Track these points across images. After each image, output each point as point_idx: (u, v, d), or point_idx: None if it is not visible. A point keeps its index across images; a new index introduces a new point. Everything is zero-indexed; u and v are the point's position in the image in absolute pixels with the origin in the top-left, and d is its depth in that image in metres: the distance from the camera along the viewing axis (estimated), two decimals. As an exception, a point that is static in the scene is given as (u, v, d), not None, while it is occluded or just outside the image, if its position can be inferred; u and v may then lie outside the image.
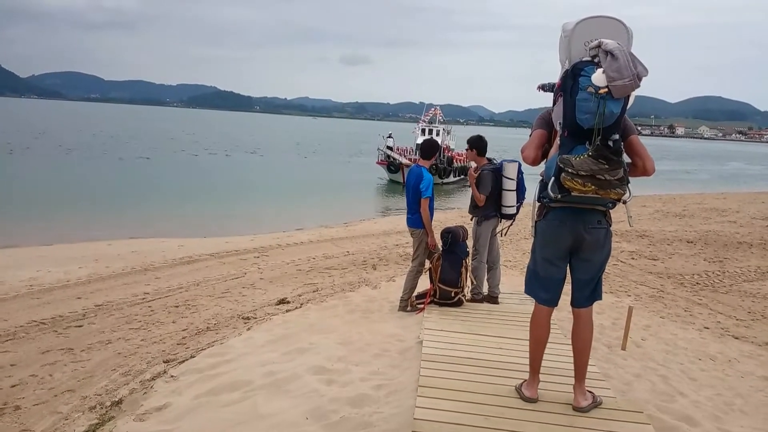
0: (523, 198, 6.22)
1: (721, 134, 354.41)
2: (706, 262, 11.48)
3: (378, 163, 34.02)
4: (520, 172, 6.13)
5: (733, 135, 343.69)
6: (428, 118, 38.45)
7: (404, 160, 31.28)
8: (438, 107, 39.50)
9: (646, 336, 6.48)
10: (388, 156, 32.79)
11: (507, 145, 42.06)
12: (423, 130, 36.40)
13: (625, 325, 5.83)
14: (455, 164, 33.25)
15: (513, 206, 6.16)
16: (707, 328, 7.38)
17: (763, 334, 7.33)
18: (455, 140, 38.15)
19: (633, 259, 11.61)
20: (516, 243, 12.86)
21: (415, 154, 32.36)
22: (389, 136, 33.70)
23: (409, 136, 36.81)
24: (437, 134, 34.80)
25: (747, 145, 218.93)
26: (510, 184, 6.11)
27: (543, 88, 3.58)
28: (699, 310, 8.25)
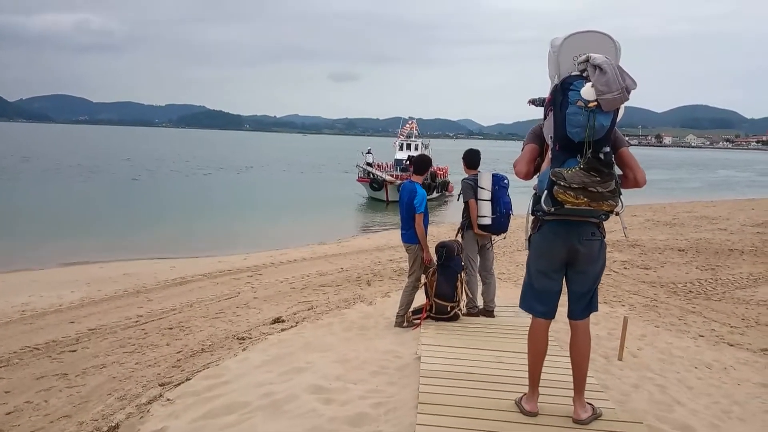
0: (504, 210, 6.20)
1: (708, 142, 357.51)
2: (699, 270, 11.55)
3: (359, 180, 32.84)
4: (497, 184, 6.18)
5: (721, 143, 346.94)
6: (405, 132, 38.21)
7: (387, 177, 30.32)
8: (414, 121, 38.69)
9: (642, 346, 6.49)
10: (369, 173, 31.48)
11: (495, 157, 42.13)
12: (401, 145, 35.98)
13: (621, 335, 5.84)
14: (438, 179, 32.40)
15: (487, 216, 6.17)
16: (702, 336, 7.40)
17: (757, 340, 7.36)
18: (433, 154, 37.86)
19: (625, 268, 11.66)
20: (510, 255, 12.89)
21: (396, 170, 31.95)
22: (368, 152, 33.01)
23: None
24: (416, 148, 34.31)
25: (734, 153, 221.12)
26: (483, 194, 6.16)
27: (533, 102, 3.63)
28: (693, 318, 8.28)
